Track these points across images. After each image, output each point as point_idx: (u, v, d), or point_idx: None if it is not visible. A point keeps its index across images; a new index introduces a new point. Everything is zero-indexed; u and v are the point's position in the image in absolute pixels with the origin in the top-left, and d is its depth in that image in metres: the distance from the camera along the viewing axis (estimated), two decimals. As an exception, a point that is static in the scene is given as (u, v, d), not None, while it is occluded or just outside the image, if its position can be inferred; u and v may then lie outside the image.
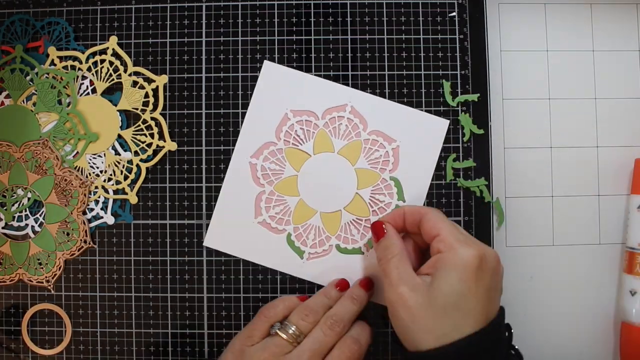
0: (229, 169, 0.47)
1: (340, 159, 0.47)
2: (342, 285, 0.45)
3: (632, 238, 0.47)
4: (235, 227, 0.47)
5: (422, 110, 0.47)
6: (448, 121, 0.47)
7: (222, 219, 0.47)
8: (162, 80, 0.48)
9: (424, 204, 0.47)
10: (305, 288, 0.47)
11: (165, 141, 0.48)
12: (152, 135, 0.48)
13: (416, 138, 0.47)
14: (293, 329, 0.41)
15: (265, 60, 0.48)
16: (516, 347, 0.40)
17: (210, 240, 0.47)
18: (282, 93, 0.47)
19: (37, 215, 0.47)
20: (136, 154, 0.47)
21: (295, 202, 0.47)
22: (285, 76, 0.48)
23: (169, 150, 0.48)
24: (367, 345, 0.42)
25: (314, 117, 0.47)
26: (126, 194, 0.47)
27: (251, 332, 0.42)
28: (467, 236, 0.39)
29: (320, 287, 0.47)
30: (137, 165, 0.47)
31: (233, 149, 0.47)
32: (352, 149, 0.47)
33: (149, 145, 0.48)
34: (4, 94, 0.48)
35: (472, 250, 0.37)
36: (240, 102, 0.48)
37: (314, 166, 0.47)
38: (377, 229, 0.42)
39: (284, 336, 0.40)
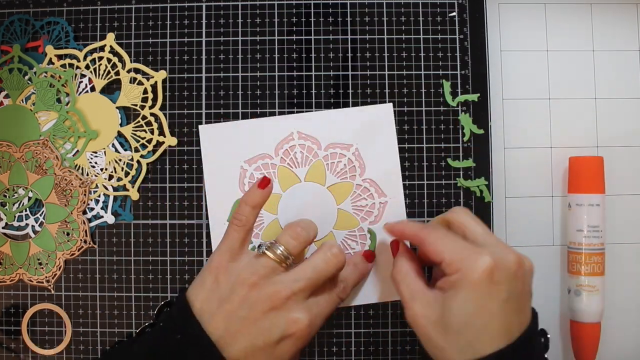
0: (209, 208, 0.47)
1: (327, 193, 0.46)
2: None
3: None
4: None
5: (421, 109, 0.47)
6: (391, 104, 0.47)
7: None
8: (160, 75, 0.47)
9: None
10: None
11: (165, 136, 0.47)
12: (151, 131, 0.47)
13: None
14: (281, 249, 0.37)
15: (199, 125, 0.47)
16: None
17: None
18: (227, 149, 0.47)
19: (37, 215, 0.47)
20: (136, 150, 0.47)
21: (270, 219, 0.46)
22: (223, 131, 0.47)
23: (170, 149, 0.48)
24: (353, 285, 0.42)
25: (268, 158, 0.47)
26: (127, 190, 0.47)
27: (230, 245, 0.38)
28: (478, 242, 0.36)
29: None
30: (138, 162, 0.47)
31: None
32: (342, 189, 0.46)
33: (149, 141, 0.47)
34: (3, 94, 0.48)
35: (481, 263, 0.34)
36: (240, 102, 0.48)
37: (301, 191, 0.46)
38: (392, 247, 0.43)
39: (272, 256, 0.37)
